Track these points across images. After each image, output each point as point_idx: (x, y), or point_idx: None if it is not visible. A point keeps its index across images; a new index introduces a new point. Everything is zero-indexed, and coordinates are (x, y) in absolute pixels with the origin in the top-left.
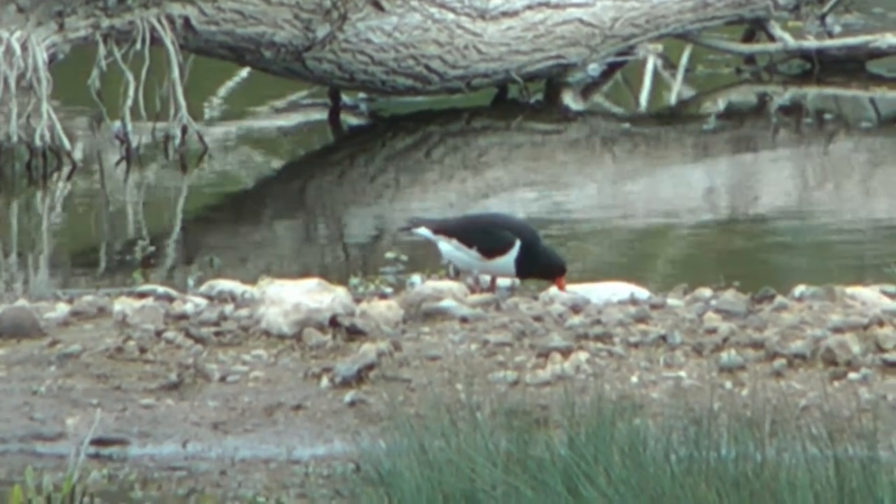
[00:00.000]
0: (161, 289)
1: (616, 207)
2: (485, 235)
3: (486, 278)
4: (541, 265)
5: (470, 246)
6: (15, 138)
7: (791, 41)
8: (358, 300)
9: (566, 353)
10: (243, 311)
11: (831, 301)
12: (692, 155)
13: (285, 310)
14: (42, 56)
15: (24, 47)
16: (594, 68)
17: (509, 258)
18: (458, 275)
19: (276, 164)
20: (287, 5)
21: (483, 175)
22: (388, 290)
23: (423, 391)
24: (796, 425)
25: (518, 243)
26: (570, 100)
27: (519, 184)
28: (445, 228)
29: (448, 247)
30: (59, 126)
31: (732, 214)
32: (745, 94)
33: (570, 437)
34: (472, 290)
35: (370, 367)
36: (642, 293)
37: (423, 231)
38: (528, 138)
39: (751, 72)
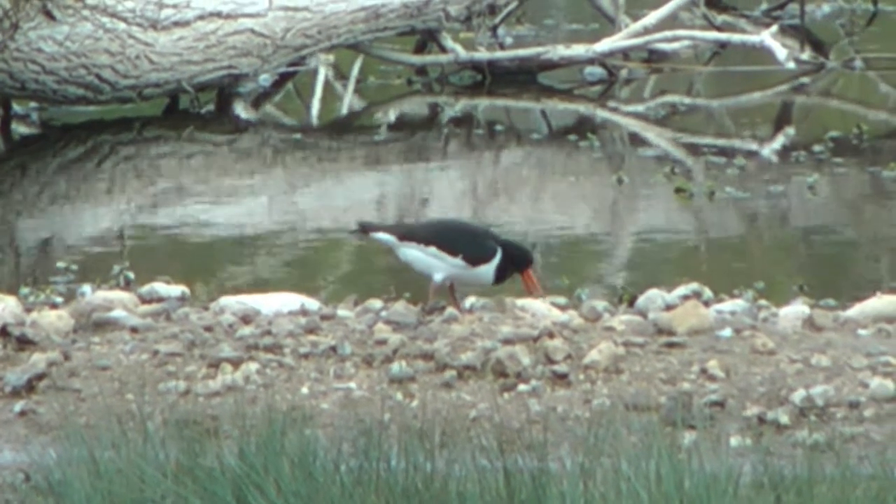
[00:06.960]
0: None
1: (286, 218)
2: (471, 244)
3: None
4: (513, 268)
5: (454, 254)
6: None
7: (463, 52)
8: (28, 310)
9: (236, 363)
10: None
11: (501, 313)
12: (363, 165)
13: None
14: None
15: None
16: (265, 78)
17: (491, 266)
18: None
19: None
20: None
21: (154, 185)
22: (59, 299)
23: (93, 401)
24: (466, 437)
25: (500, 251)
26: (241, 110)
27: (190, 194)
28: (418, 235)
29: (419, 254)
30: None
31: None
32: (416, 105)
33: (240, 448)
34: (433, 297)
35: (40, 376)
36: (312, 304)
37: (383, 236)
38: (200, 148)
39: (422, 83)
